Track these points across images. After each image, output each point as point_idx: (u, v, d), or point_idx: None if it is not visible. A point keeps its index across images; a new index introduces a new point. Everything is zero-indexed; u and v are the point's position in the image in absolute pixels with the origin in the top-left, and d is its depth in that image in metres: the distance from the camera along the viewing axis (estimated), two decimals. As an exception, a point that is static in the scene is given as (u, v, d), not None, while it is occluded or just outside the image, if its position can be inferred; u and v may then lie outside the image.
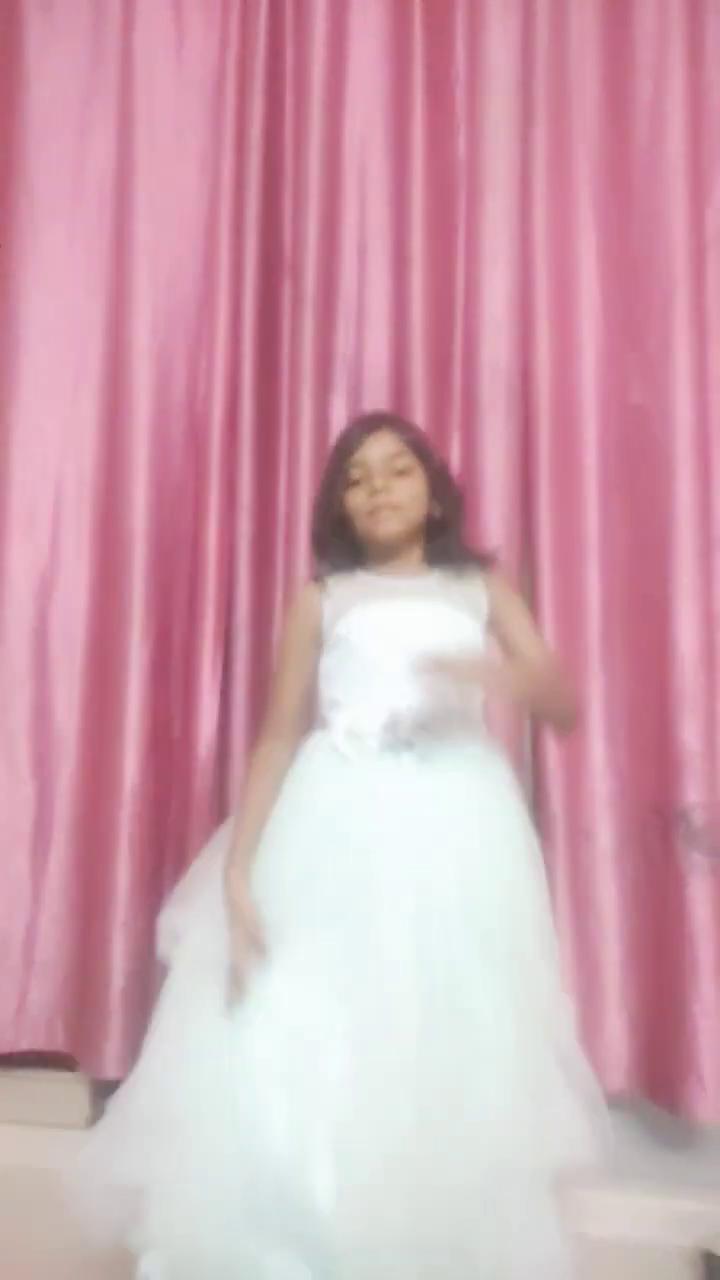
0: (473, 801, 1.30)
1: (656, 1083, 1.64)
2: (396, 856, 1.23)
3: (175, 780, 1.79)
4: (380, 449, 1.41)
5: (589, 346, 1.80)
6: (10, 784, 1.84)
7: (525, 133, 1.85)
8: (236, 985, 1.21)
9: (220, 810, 1.79)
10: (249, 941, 1.24)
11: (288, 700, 1.42)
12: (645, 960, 1.67)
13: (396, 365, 1.84)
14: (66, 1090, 1.77)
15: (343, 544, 1.45)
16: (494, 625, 1.43)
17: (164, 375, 1.87)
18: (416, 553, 1.45)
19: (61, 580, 1.90)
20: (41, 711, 1.87)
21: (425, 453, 1.45)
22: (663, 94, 1.81)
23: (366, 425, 1.46)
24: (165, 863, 1.77)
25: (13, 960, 1.79)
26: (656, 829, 1.67)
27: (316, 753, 1.35)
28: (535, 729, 1.75)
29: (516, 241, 1.83)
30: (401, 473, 1.41)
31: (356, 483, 1.41)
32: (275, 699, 1.44)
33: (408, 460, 1.41)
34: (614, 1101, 1.63)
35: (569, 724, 1.51)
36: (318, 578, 1.46)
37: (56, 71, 1.98)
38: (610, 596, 1.76)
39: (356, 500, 1.41)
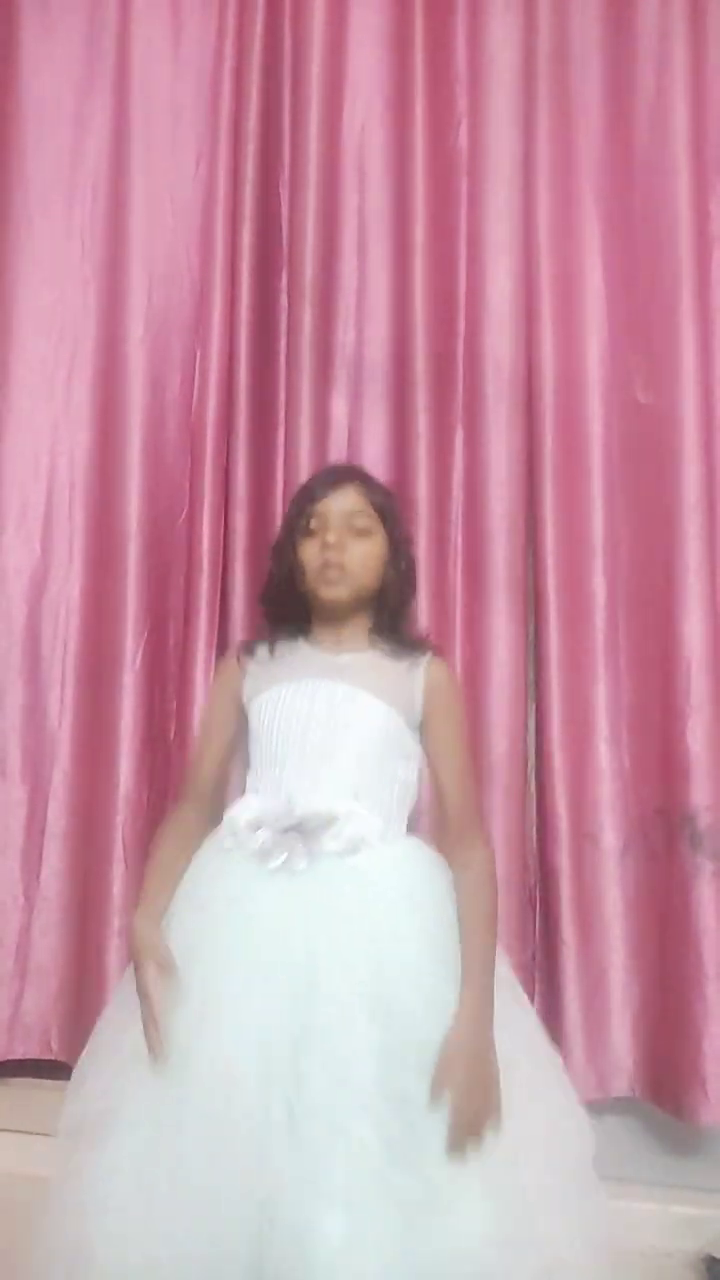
0: (334, 916, 1.17)
1: (660, 1087, 1.63)
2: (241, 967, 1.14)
3: (170, 784, 1.76)
4: (343, 502, 1.32)
5: (593, 342, 1.78)
6: (1, 787, 1.81)
7: (527, 124, 1.82)
8: (151, 1022, 1.14)
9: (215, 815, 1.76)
10: (159, 972, 1.16)
11: (204, 768, 1.37)
12: (649, 964, 1.65)
13: (397, 360, 1.81)
14: (61, 1099, 1.73)
15: (293, 595, 1.35)
16: (425, 731, 1.31)
17: (159, 369, 1.84)
18: (363, 620, 1.36)
19: (53, 578, 1.87)
20: (33, 713, 1.84)
21: (390, 517, 1.35)
22: (665, 86, 1.78)
23: (334, 477, 1.37)
24: (161, 867, 1.74)
25: (6, 967, 1.76)
26: (661, 832, 1.66)
27: (213, 840, 1.28)
28: (539, 730, 1.73)
29: (519, 234, 1.80)
30: (360, 532, 1.31)
31: (312, 533, 1.32)
32: (193, 765, 1.40)
33: (369, 521, 1.32)
34: (617, 1106, 1.64)
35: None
36: (247, 647, 1.38)
37: (52, 63, 1.95)
38: (615, 597, 1.74)
39: (308, 553, 1.31)
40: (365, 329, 1.84)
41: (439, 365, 1.79)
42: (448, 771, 1.31)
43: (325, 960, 1.13)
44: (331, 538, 1.29)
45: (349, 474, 1.38)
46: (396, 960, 1.15)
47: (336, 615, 1.34)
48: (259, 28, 1.86)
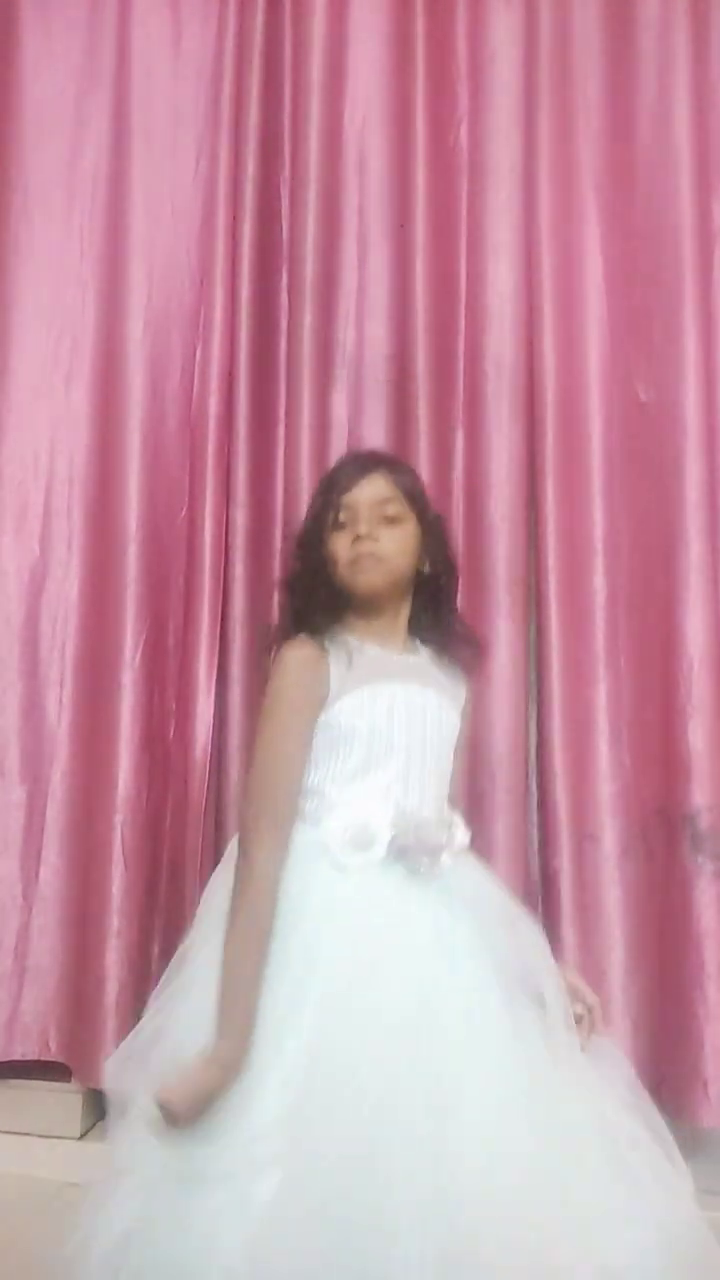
0: (479, 913, 1.20)
1: (661, 1088, 1.61)
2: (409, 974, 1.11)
3: (170, 783, 1.76)
4: (371, 492, 1.28)
5: (594, 340, 1.77)
6: (0, 787, 1.80)
7: (528, 122, 1.81)
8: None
9: (216, 815, 1.76)
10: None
11: (295, 789, 1.21)
12: (650, 965, 1.65)
13: (398, 358, 1.80)
14: (60, 1100, 1.74)
15: (319, 593, 1.30)
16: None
17: (158, 368, 1.84)
18: (401, 615, 1.33)
19: (52, 577, 1.86)
20: (32, 712, 1.83)
21: (421, 503, 1.32)
22: (667, 84, 1.78)
23: (360, 465, 1.32)
24: (159, 869, 1.74)
25: (4, 967, 1.75)
26: (662, 832, 1.65)
27: (306, 856, 1.18)
28: (540, 730, 1.72)
29: (520, 233, 1.79)
30: (391, 520, 1.28)
31: (341, 526, 1.28)
32: (277, 786, 1.21)
33: (400, 508, 1.29)
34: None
35: None
36: (308, 635, 1.27)
37: (52, 61, 1.94)
38: (616, 596, 1.73)
39: (339, 545, 1.28)
40: (365, 328, 1.83)
41: (439, 364, 1.78)
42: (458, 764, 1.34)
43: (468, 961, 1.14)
44: (363, 529, 1.26)
45: (375, 461, 1.34)
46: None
47: (371, 607, 1.31)
48: (259, 26, 1.86)
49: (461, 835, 1.25)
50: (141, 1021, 1.23)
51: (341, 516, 1.29)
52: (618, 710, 1.70)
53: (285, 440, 1.81)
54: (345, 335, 1.83)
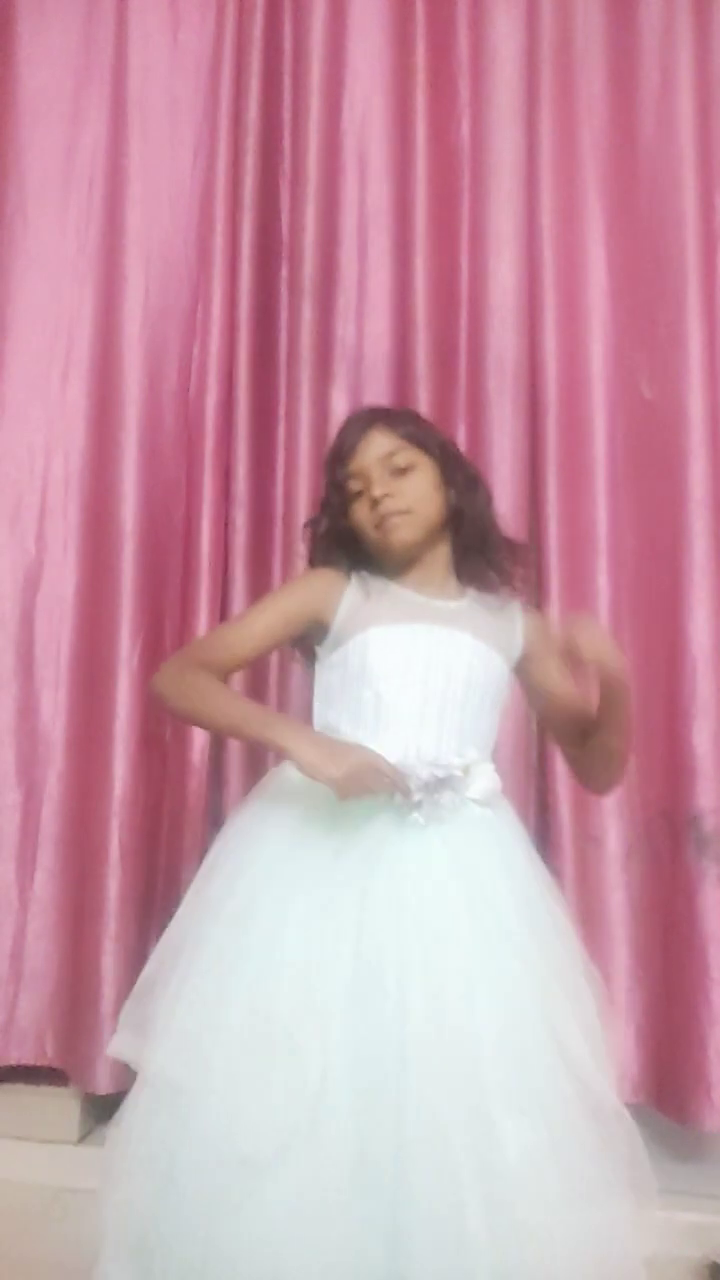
0: (481, 870, 1.16)
1: (665, 1093, 1.61)
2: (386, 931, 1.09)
3: (167, 786, 1.74)
4: (374, 450, 1.26)
5: (597, 337, 1.76)
6: (-4, 789, 1.78)
7: (530, 116, 1.80)
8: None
9: (214, 817, 1.74)
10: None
11: (250, 641, 1.24)
12: (653, 968, 1.64)
13: (399, 354, 1.79)
14: (57, 1105, 1.72)
15: (353, 560, 1.29)
16: (528, 664, 1.31)
17: (156, 364, 1.82)
18: (442, 558, 1.30)
19: (48, 577, 1.84)
20: (27, 713, 1.81)
21: (426, 441, 1.29)
22: (670, 78, 1.77)
23: (356, 428, 1.30)
24: (157, 872, 1.72)
25: (1, 972, 1.73)
26: (665, 834, 1.64)
27: (298, 795, 1.18)
28: (541, 735, 1.70)
29: (522, 228, 1.78)
30: (403, 470, 1.26)
31: (358, 494, 1.27)
32: (231, 628, 1.28)
33: (408, 455, 1.26)
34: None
35: (616, 778, 1.35)
36: (346, 568, 1.28)
37: (49, 56, 1.93)
38: (619, 595, 1.72)
39: (361, 514, 1.27)
40: (366, 324, 1.82)
41: (440, 361, 1.77)
42: (569, 691, 1.32)
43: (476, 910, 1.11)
44: (378, 490, 1.24)
45: (370, 418, 1.31)
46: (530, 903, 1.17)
47: (411, 559, 1.28)
48: (259, 19, 1.85)
49: (482, 782, 1.19)
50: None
51: (354, 485, 1.27)
52: (621, 711, 1.69)
53: (284, 438, 1.80)
54: (345, 332, 1.81)
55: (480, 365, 1.77)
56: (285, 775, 1.23)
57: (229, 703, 1.21)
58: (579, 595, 1.71)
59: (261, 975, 1.08)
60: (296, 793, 1.19)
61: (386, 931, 1.08)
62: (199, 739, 1.72)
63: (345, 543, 1.31)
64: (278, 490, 1.80)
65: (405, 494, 1.25)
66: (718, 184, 1.77)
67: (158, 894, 1.71)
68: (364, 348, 1.81)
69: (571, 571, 1.71)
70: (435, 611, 1.27)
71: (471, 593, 1.31)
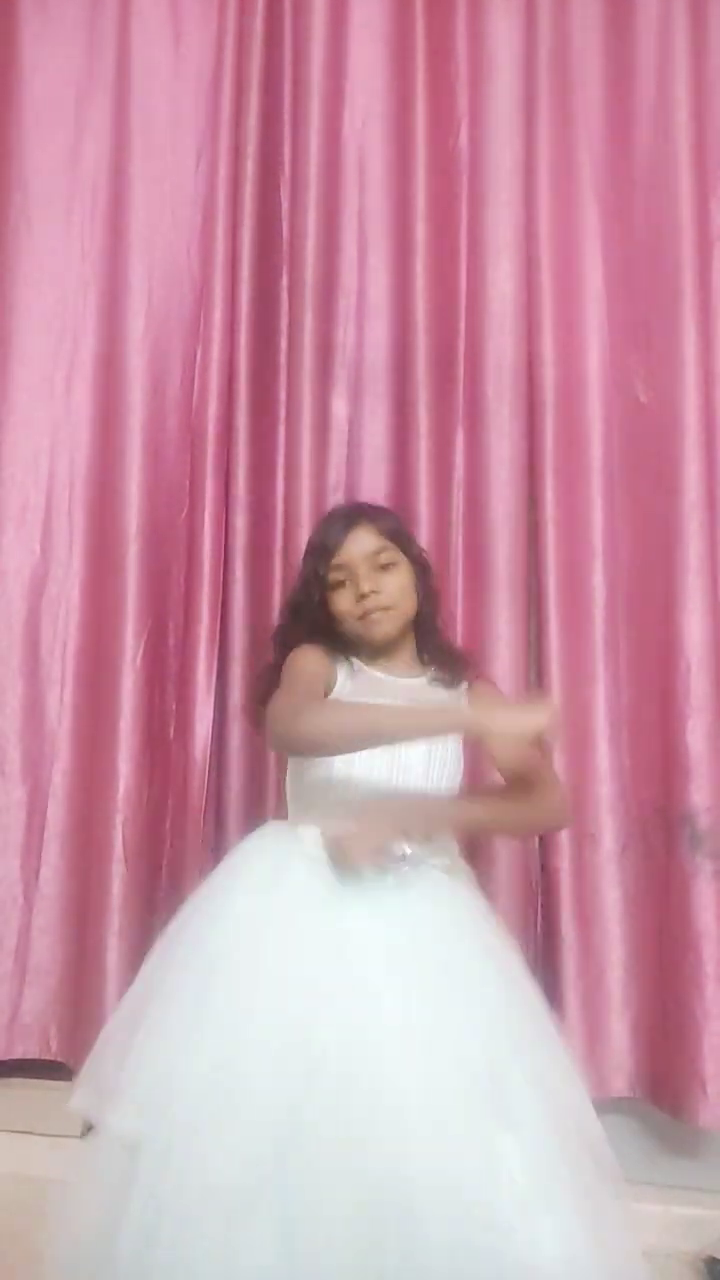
0: (447, 916, 1.22)
1: (660, 1087, 1.62)
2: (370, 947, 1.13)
3: (170, 783, 1.76)
4: (361, 547, 1.34)
5: (594, 342, 1.78)
6: (1, 787, 1.80)
7: (528, 124, 1.82)
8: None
9: (216, 815, 1.76)
10: None
11: (318, 687, 1.29)
12: (648, 964, 1.65)
13: (398, 359, 1.81)
14: (61, 1099, 1.72)
15: (326, 641, 1.36)
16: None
17: (159, 369, 1.84)
18: (409, 643, 1.41)
19: (53, 578, 1.87)
20: (32, 713, 1.83)
21: (405, 541, 1.39)
22: (667, 86, 1.78)
23: (343, 522, 1.37)
24: (160, 869, 1.74)
25: (5, 967, 1.76)
26: (660, 832, 1.65)
27: (294, 847, 1.24)
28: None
29: (520, 234, 1.80)
30: (385, 567, 1.34)
31: (340, 585, 1.34)
32: (298, 684, 1.28)
33: (391, 554, 1.35)
34: (616, 1106, 1.63)
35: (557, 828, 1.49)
36: (331, 652, 1.36)
37: (52, 64, 1.95)
38: (615, 596, 1.74)
39: (343, 604, 1.34)
40: (366, 329, 1.84)
41: (439, 365, 1.79)
42: (507, 758, 1.36)
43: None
44: (366, 586, 1.32)
45: (357, 515, 1.39)
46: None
47: (385, 648, 1.37)
48: (259, 27, 1.87)
49: (445, 859, 1.26)
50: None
51: (337, 576, 1.35)
52: (616, 710, 1.71)
53: (285, 441, 1.82)
54: (345, 336, 1.83)
55: (479, 369, 1.79)
56: (257, 836, 1.30)
57: (380, 713, 1.22)
58: (575, 596, 1.73)
59: (228, 1027, 1.09)
60: (265, 851, 1.26)
61: (354, 979, 1.11)
62: (201, 738, 1.73)
63: (324, 628, 1.37)
64: (278, 493, 1.82)
65: (389, 591, 1.34)
66: (713, 190, 1.78)
67: (161, 890, 1.73)
68: (364, 352, 1.83)
69: (568, 572, 1.73)
70: (399, 689, 1.34)
71: (431, 671, 1.40)
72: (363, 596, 1.32)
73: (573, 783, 1.68)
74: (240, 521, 1.82)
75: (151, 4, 1.91)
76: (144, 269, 1.84)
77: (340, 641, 1.37)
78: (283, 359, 1.85)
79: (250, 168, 1.85)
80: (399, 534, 1.39)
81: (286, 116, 1.88)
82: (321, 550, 1.36)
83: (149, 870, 1.72)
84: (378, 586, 1.32)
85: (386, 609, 1.33)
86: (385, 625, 1.34)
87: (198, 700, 1.74)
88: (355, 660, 1.37)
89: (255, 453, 1.84)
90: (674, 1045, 1.60)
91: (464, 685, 1.41)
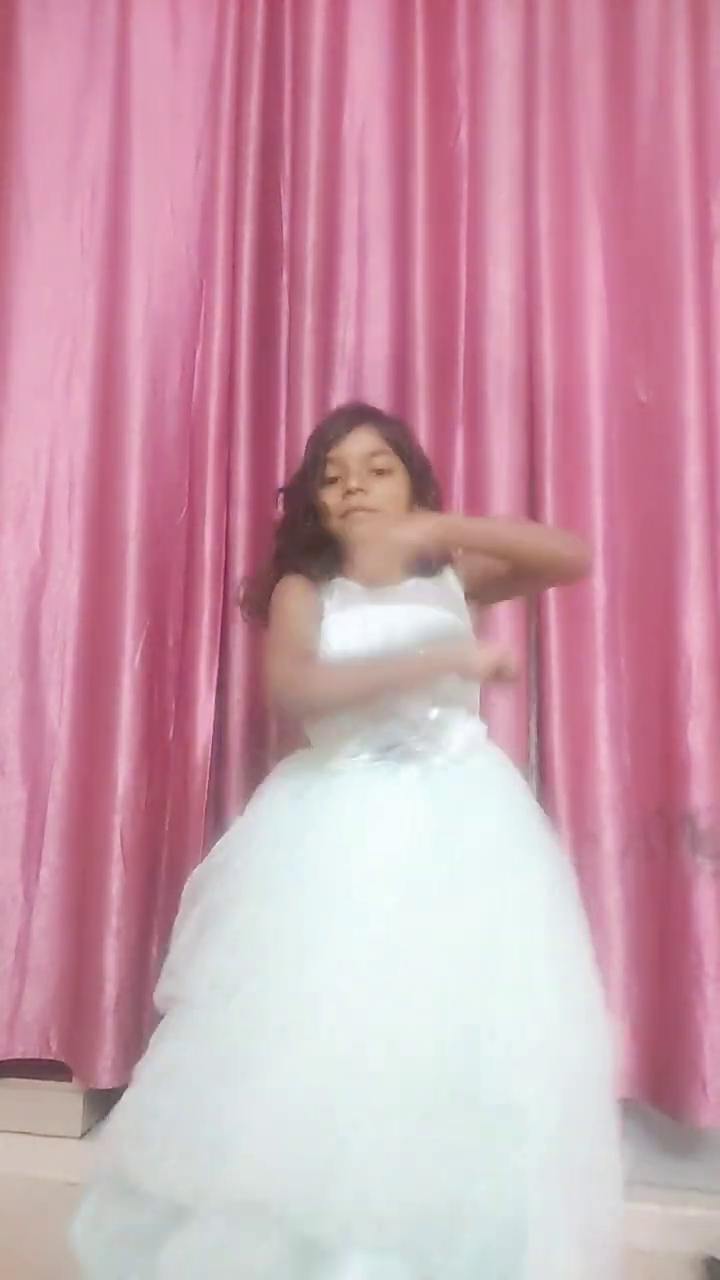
0: (476, 805, 1.23)
1: (660, 1088, 1.62)
2: (386, 853, 1.15)
3: (170, 784, 1.76)
4: (359, 446, 1.33)
5: (594, 341, 1.78)
6: (1, 787, 1.80)
7: (528, 123, 1.82)
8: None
9: (216, 815, 1.76)
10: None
11: (309, 640, 1.28)
12: (649, 964, 1.65)
13: (398, 358, 1.81)
14: (61, 1099, 1.74)
15: (310, 541, 1.36)
16: (473, 577, 1.37)
17: (159, 368, 1.84)
18: None
19: (53, 578, 1.87)
20: (32, 713, 1.83)
21: (408, 452, 1.37)
22: (667, 85, 1.78)
23: (347, 420, 1.37)
24: (159, 869, 1.74)
25: (5, 966, 1.75)
26: (661, 832, 1.65)
27: (299, 768, 1.28)
28: (541, 732, 1.72)
29: (520, 233, 1.80)
30: (380, 472, 1.33)
31: (332, 480, 1.33)
32: (295, 635, 1.29)
33: (388, 459, 1.34)
34: (616, 1107, 1.63)
35: (571, 570, 1.37)
36: (308, 575, 1.36)
37: (51, 62, 1.95)
38: (615, 596, 1.74)
39: (331, 499, 1.34)
40: (366, 328, 1.84)
41: (439, 364, 1.79)
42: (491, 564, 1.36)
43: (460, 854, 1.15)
44: (354, 483, 1.31)
45: (362, 415, 1.39)
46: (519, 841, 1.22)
47: None
48: (259, 27, 1.87)
49: (465, 731, 1.27)
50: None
51: (331, 471, 1.33)
52: (617, 710, 1.71)
53: (285, 441, 1.82)
54: (345, 336, 1.83)
55: (478, 369, 1.79)
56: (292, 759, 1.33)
57: (373, 670, 1.24)
58: (576, 596, 1.73)
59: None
60: (304, 765, 1.29)
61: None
62: (201, 738, 1.73)
63: (313, 547, 1.36)
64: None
65: (377, 494, 1.32)
66: (713, 190, 1.78)
67: (160, 891, 1.73)
68: (364, 352, 1.83)
69: (568, 573, 1.73)
70: (380, 595, 1.32)
71: (413, 580, 1.36)
72: (349, 493, 1.31)
73: (573, 783, 1.69)
74: (240, 520, 1.82)
75: (151, 3, 1.91)
76: (144, 268, 1.84)
77: (330, 553, 1.35)
78: (283, 358, 1.85)
79: (250, 167, 1.85)
80: (401, 444, 1.37)
81: (286, 115, 1.88)
82: (319, 442, 1.36)
83: (148, 871, 1.72)
84: (366, 487, 1.31)
85: (370, 511, 1.31)
86: (365, 527, 1.31)
87: (198, 700, 1.74)
88: (341, 581, 1.35)
89: (255, 452, 1.84)
90: (674, 1046, 1.59)
91: (446, 573, 1.37)
